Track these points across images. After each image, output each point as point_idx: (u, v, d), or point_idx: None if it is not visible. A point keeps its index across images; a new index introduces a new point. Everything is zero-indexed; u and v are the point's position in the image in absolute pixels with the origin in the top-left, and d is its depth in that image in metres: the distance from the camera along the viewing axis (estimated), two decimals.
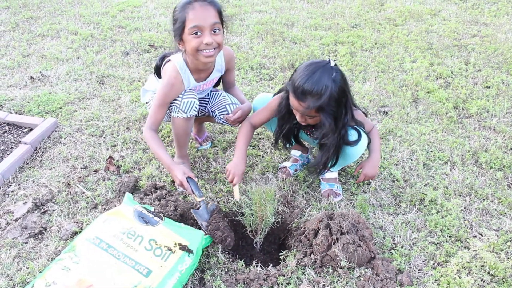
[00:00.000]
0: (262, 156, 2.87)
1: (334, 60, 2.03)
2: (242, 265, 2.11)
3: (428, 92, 3.57)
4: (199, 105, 2.62)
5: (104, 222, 2.08)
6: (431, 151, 2.90)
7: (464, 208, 2.46)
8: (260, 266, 2.12)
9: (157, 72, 2.48)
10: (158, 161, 2.76)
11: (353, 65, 3.99)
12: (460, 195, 2.55)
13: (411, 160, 2.83)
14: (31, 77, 3.67)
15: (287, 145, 2.59)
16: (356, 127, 2.25)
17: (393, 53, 4.22)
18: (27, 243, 2.23)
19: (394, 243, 2.25)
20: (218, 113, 2.56)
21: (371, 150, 2.38)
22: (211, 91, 2.66)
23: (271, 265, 2.14)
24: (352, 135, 2.23)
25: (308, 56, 4.12)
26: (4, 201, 2.49)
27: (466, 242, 2.24)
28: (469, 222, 2.37)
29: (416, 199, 2.51)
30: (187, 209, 2.30)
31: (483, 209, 2.46)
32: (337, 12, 5.23)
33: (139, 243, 1.99)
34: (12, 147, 2.88)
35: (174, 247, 1.99)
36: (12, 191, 2.55)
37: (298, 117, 2.17)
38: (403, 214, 2.43)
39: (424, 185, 2.62)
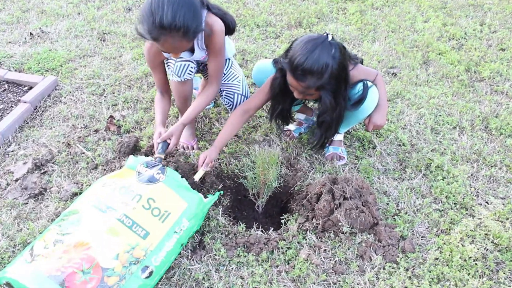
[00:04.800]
0: (266, 117, 2.79)
1: (331, 34, 1.92)
2: (243, 228, 2.09)
3: (439, 54, 3.44)
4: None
5: (105, 185, 2.04)
6: (440, 115, 2.82)
7: (471, 175, 2.41)
8: (261, 230, 2.10)
9: None
10: None
11: (362, 24, 3.84)
12: (467, 162, 2.49)
13: (419, 124, 2.75)
14: (31, 34, 3.57)
15: (282, 126, 2.55)
16: (362, 80, 2.16)
17: (404, 11, 4.05)
18: (27, 203, 2.22)
19: (397, 209, 2.21)
20: (225, 94, 2.45)
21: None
22: (229, 67, 2.49)
23: (272, 228, 2.12)
24: (358, 92, 2.14)
25: (316, 14, 3.97)
26: (4, 161, 2.46)
27: (471, 210, 2.20)
28: (475, 189, 2.32)
29: (422, 165, 2.46)
30: (187, 171, 2.26)
31: (491, 176, 2.40)
32: None
33: (137, 201, 1.93)
34: (11, 106, 2.83)
35: (173, 207, 1.95)
36: (12, 151, 2.52)
37: (295, 94, 2.09)
38: (408, 179, 2.38)
39: (431, 150, 2.55)
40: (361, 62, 2.28)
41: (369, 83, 2.16)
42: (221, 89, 2.47)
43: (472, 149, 2.57)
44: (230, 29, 2.25)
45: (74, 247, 1.77)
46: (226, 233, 2.07)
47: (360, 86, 2.14)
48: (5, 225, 2.09)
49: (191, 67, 2.24)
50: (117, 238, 1.82)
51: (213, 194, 2.15)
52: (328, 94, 2.00)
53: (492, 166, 2.46)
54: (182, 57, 2.21)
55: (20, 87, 3.02)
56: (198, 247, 2.01)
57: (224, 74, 2.46)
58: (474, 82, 3.16)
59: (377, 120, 2.21)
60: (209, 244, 2.01)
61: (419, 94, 2.99)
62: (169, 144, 2.19)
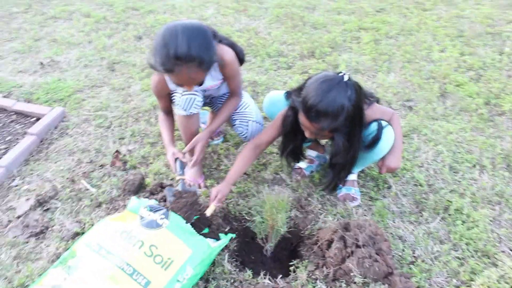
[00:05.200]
0: (276, 154, 2.70)
1: (348, 74, 1.84)
2: (249, 275, 1.98)
3: (457, 86, 3.33)
4: (219, 101, 2.47)
5: (107, 227, 1.96)
6: (459, 153, 2.69)
7: (493, 218, 2.27)
8: (269, 278, 1.98)
9: None
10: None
11: (377, 54, 3.76)
12: (489, 204, 2.36)
13: (436, 162, 2.63)
14: (41, 63, 3.56)
15: (293, 163, 2.51)
16: (377, 120, 2.07)
17: (420, 41, 3.97)
18: (28, 242, 2.14)
19: (414, 256, 2.08)
20: (238, 123, 2.39)
21: None
22: None
23: (280, 276, 2.00)
24: (372, 132, 2.05)
25: (329, 43, 3.90)
26: (8, 196, 2.40)
27: (494, 258, 2.06)
28: (498, 235, 2.18)
29: (440, 207, 2.32)
30: (195, 210, 2.16)
31: None
32: None
33: (139, 248, 1.86)
34: (17, 138, 2.79)
35: (176, 255, 1.86)
36: (16, 186, 2.46)
37: (307, 134, 2.01)
38: (425, 223, 2.25)
39: (450, 191, 2.42)
40: (377, 101, 2.18)
41: (384, 123, 2.06)
42: (233, 118, 2.40)
43: (493, 190, 2.43)
44: (239, 60, 2.23)
45: None
46: (232, 281, 1.96)
47: (374, 126, 2.05)
48: (3, 265, 2.01)
49: (198, 101, 2.17)
50: (117, 286, 1.73)
51: (225, 234, 2.06)
52: (342, 136, 1.91)
53: None
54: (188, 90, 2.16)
55: (28, 118, 2.99)
56: None
57: None
58: (494, 116, 3.03)
59: (391, 163, 2.10)
60: None
61: (436, 129, 2.87)
62: (185, 162, 2.20)
